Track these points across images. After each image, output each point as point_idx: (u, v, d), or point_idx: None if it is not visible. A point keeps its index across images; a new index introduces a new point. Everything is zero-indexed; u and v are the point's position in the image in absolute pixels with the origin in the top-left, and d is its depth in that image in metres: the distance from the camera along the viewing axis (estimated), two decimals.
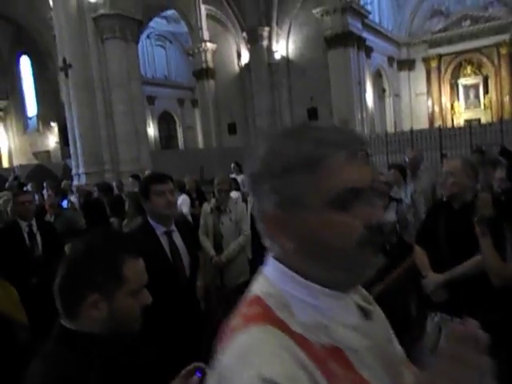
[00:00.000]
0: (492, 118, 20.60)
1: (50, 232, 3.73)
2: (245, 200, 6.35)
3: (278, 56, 16.31)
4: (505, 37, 20.12)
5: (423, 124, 21.13)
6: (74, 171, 11.61)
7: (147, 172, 9.04)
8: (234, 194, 6.52)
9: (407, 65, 22.19)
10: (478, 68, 21.76)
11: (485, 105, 21.62)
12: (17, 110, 25.10)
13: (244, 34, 16.92)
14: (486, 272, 2.34)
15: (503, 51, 20.46)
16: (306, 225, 0.63)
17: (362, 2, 15.73)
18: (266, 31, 16.25)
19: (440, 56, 21.97)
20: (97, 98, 11.09)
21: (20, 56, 24.30)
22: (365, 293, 0.76)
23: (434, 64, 22.14)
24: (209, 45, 18.37)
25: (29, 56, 23.85)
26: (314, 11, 14.75)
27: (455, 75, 22.25)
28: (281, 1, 15.93)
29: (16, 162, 22.05)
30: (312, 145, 0.63)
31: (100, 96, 11.12)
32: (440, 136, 13.52)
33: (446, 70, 22.22)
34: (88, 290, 1.04)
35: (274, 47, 16.36)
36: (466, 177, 2.43)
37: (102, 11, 10.95)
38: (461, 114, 22.16)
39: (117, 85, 11.18)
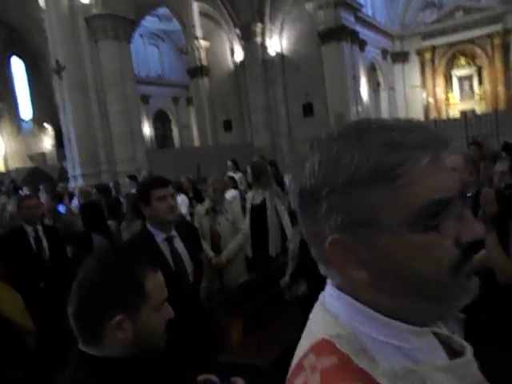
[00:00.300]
0: (487, 108, 20.64)
1: (55, 236, 3.72)
2: (242, 198, 6.35)
3: (272, 52, 16.26)
4: (498, 27, 20.11)
5: (418, 116, 21.14)
6: (70, 173, 11.56)
7: (144, 172, 9.02)
8: (231, 193, 6.53)
9: (401, 57, 22.17)
10: (471, 59, 21.76)
11: (479, 96, 21.65)
12: (10, 112, 24.94)
13: (237, 31, 16.85)
14: (491, 268, 2.33)
15: (496, 41, 20.46)
16: (381, 250, 0.51)
17: None
18: (259, 27, 16.19)
19: (434, 48, 21.96)
20: (91, 98, 11.03)
21: (12, 58, 24.12)
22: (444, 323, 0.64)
23: (427, 56, 22.13)
24: (202, 42, 18.29)
25: (21, 58, 23.69)
26: (306, 6, 14.69)
27: (449, 67, 22.25)
28: None
29: (12, 165, 21.94)
30: (384, 149, 0.51)
31: (94, 97, 11.07)
32: (435, 128, 13.53)
33: (439, 62, 22.22)
34: (112, 310, 0.97)
35: (268, 43, 16.30)
36: (468, 172, 2.42)
37: (93, 11, 10.88)
38: (456, 106, 22.19)
39: (111, 85, 11.13)
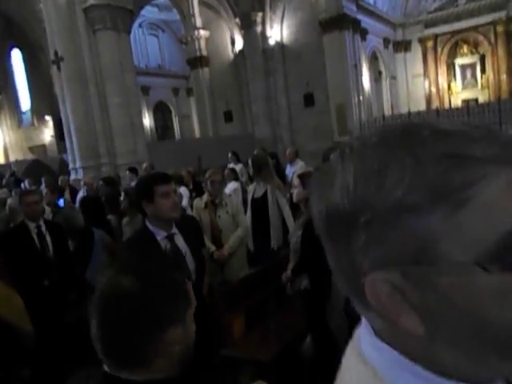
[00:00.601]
0: (489, 97, 20.46)
1: (58, 232, 3.64)
2: (243, 190, 6.32)
3: (272, 41, 16.09)
4: (501, 14, 19.85)
5: (421, 106, 20.99)
6: (70, 165, 11.53)
7: (145, 164, 8.97)
8: (233, 185, 6.49)
9: (403, 46, 21.94)
10: (474, 47, 21.52)
11: (482, 84, 21.46)
12: (10, 104, 24.87)
13: (237, 20, 16.66)
14: None
15: (500, 29, 20.20)
16: (441, 293, 0.39)
17: None
18: (259, 16, 16.00)
19: (436, 36, 21.71)
20: (90, 90, 10.95)
21: (11, 49, 23.97)
22: None
23: (430, 44, 21.89)
24: (202, 32, 18.11)
25: (20, 49, 23.55)
26: None
27: (452, 55, 22.02)
28: None
29: (12, 157, 21.93)
30: (447, 164, 0.38)
31: (93, 89, 10.98)
32: (438, 118, 13.44)
33: (442, 50, 21.98)
34: (165, 324, 0.87)
35: (268, 33, 16.12)
36: None
37: (91, 2, 10.74)
38: (458, 95, 22.00)
39: (110, 76, 11.03)
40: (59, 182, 8.29)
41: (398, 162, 0.39)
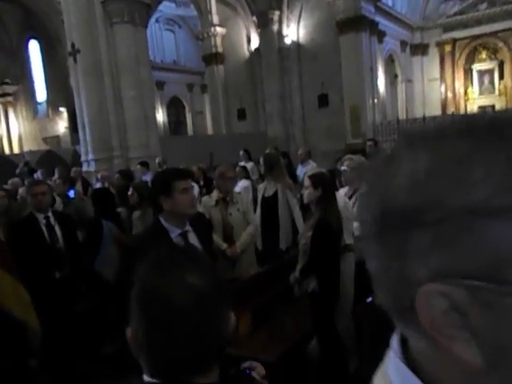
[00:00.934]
0: (507, 104, 20.15)
1: (68, 223, 3.57)
2: (254, 188, 6.29)
3: (288, 41, 16.01)
4: None
5: (436, 110, 20.74)
6: (83, 158, 11.60)
7: (158, 159, 8.99)
8: (243, 183, 6.47)
9: (420, 49, 21.69)
10: (493, 53, 21.19)
11: (499, 91, 21.13)
12: (26, 95, 25.14)
13: (254, 18, 16.62)
14: None
15: None
16: None
17: None
18: (276, 15, 15.93)
19: (454, 40, 21.42)
20: (105, 83, 11.00)
21: (29, 41, 24.22)
22: None
23: (448, 49, 21.60)
24: (218, 29, 18.10)
25: (38, 41, 23.78)
26: None
27: (469, 60, 21.71)
28: None
29: (26, 148, 22.17)
30: None
31: (109, 81, 11.02)
32: None
33: (460, 55, 21.68)
34: (225, 326, 0.82)
35: (285, 31, 16.05)
36: None
37: None
38: (474, 101, 21.69)
39: (125, 70, 11.07)
40: (72, 174, 8.35)
41: (486, 155, 0.33)
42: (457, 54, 21.67)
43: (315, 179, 3.08)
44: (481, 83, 21.63)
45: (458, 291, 0.33)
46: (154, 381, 0.80)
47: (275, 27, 16.07)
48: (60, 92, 22.17)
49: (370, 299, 2.74)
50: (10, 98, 24.68)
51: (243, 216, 4.07)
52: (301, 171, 7.77)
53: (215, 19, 17.96)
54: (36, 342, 2.73)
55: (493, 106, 20.37)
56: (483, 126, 0.35)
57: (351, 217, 3.60)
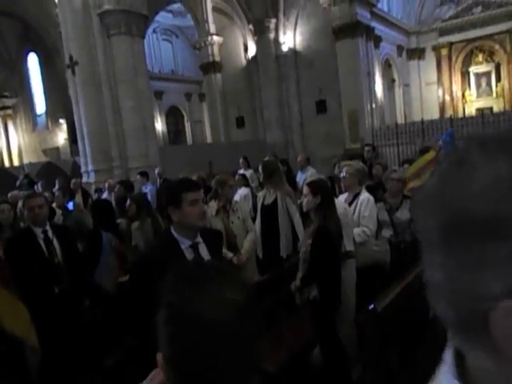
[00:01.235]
0: (505, 106, 20.20)
1: (66, 236, 3.49)
2: (254, 195, 6.29)
3: (285, 48, 16.10)
4: None
5: (434, 114, 20.77)
6: (82, 169, 11.61)
7: (157, 169, 8.99)
8: (242, 191, 6.47)
9: (417, 54, 21.80)
10: (489, 55, 21.28)
11: (497, 93, 21.19)
12: (25, 107, 25.24)
13: (250, 26, 16.72)
14: None
15: None
16: None
17: None
18: (272, 23, 16.03)
19: (451, 44, 21.53)
20: (104, 94, 11.04)
21: (28, 53, 24.37)
22: None
23: (444, 52, 21.71)
24: (215, 38, 18.20)
25: (36, 53, 23.91)
26: (321, 1, 14.48)
27: (466, 63, 21.80)
28: None
29: (26, 160, 22.20)
30: None
31: (107, 92, 11.07)
32: (451, 126, 13.29)
33: (456, 59, 21.78)
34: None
35: (281, 39, 16.14)
36: None
37: (107, 7, 10.85)
38: (472, 103, 21.75)
39: (124, 81, 11.12)
40: (71, 185, 8.35)
41: None
42: (453, 58, 21.77)
43: (314, 186, 3.08)
44: (478, 86, 21.71)
45: None
46: None
47: (272, 35, 16.16)
48: (59, 104, 22.25)
49: (371, 306, 2.72)
50: (9, 111, 24.79)
51: (243, 223, 4.08)
52: (300, 177, 7.77)
53: (212, 28, 18.07)
54: (34, 360, 2.68)
55: (491, 109, 20.42)
56: None
57: (351, 223, 3.59)
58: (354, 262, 3.37)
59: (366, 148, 7.66)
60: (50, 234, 3.36)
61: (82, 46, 10.86)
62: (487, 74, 21.40)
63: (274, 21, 16.03)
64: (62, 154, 22.88)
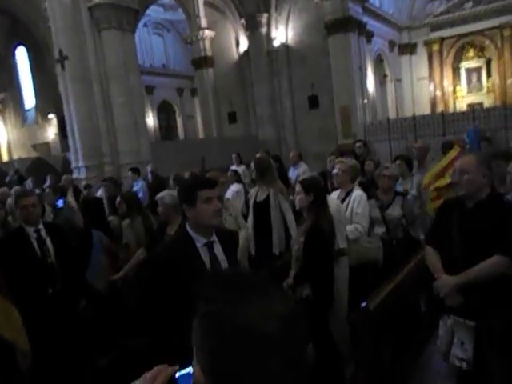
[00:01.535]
0: (495, 101, 20.32)
1: (60, 236, 3.40)
2: (246, 191, 6.26)
3: (277, 43, 16.02)
4: (508, 18, 19.69)
5: (425, 109, 20.87)
6: (73, 164, 11.49)
7: (149, 167, 8.92)
8: (235, 187, 6.45)
9: (409, 49, 21.82)
10: (480, 51, 21.37)
11: (488, 88, 21.31)
12: (15, 102, 24.91)
13: (242, 21, 16.61)
14: (502, 274, 2.24)
15: (506, 33, 20.05)
16: None
17: None
18: (264, 18, 15.94)
19: (442, 39, 21.58)
20: (94, 89, 10.91)
21: (16, 48, 24.01)
22: None
23: (435, 47, 21.76)
24: (207, 32, 18.06)
25: (25, 47, 23.57)
26: None
27: (457, 59, 21.88)
28: None
29: (15, 155, 21.96)
30: None
31: (97, 88, 10.95)
32: (443, 121, 13.35)
33: (448, 54, 21.85)
34: None
35: (274, 34, 16.06)
36: (481, 174, 2.32)
37: (97, 1, 10.71)
38: (463, 99, 21.86)
39: (114, 76, 11.00)
40: (62, 182, 8.26)
41: None
42: (444, 53, 21.84)
43: (306, 184, 3.06)
44: (469, 81, 21.82)
45: None
46: None
47: (264, 30, 16.08)
48: (49, 98, 21.97)
49: (364, 304, 2.72)
50: None
51: (235, 220, 4.07)
52: (293, 174, 7.77)
53: (203, 23, 17.93)
54: (25, 363, 2.64)
55: (481, 104, 20.55)
56: None
57: (344, 220, 3.59)
58: (347, 260, 3.37)
59: (358, 144, 7.66)
60: (43, 233, 3.28)
61: (72, 40, 10.72)
62: (478, 70, 21.51)
63: (265, 15, 15.94)
64: (53, 149, 22.64)
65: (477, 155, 2.48)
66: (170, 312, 1.94)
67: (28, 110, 24.92)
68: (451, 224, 2.40)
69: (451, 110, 20.43)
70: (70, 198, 5.77)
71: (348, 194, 3.94)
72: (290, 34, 15.86)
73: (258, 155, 6.53)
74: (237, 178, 6.73)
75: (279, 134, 16.36)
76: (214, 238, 2.20)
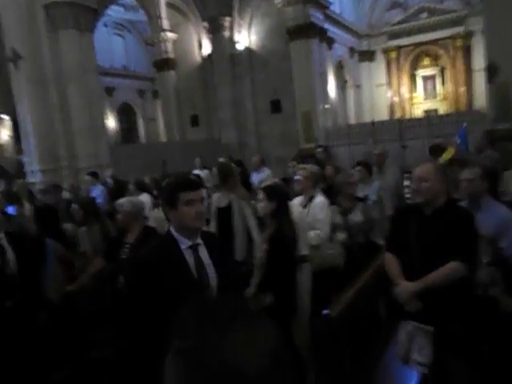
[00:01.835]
0: (449, 108, 21.24)
1: (22, 244, 3.24)
2: (208, 195, 6.19)
3: (240, 47, 16.04)
4: (460, 29, 20.67)
5: (384, 115, 21.51)
6: (27, 168, 11.00)
7: (108, 171, 8.69)
8: None
9: (368, 56, 22.45)
10: (435, 59, 22.30)
11: (442, 95, 22.23)
12: None
13: (205, 24, 16.52)
14: (459, 280, 2.31)
15: (458, 43, 21.02)
16: None
17: None
18: (227, 21, 15.92)
19: (399, 47, 22.36)
20: (50, 90, 10.49)
21: None
22: None
23: (393, 55, 22.52)
24: (169, 34, 17.83)
25: None
26: (275, 1, 14.56)
27: (414, 66, 22.73)
28: None
29: None
30: None
31: (54, 89, 10.53)
32: (400, 127, 13.78)
33: (405, 62, 22.65)
34: None
35: (236, 38, 16.06)
36: (439, 182, 2.39)
37: None
38: (419, 105, 22.71)
39: (72, 77, 10.63)
40: (16, 187, 7.87)
41: None
42: (402, 61, 22.62)
43: (269, 191, 3.05)
44: (425, 88, 22.70)
45: None
46: None
47: (226, 33, 16.05)
48: (1, 98, 20.96)
49: (325, 311, 2.73)
50: None
51: None
52: (255, 178, 7.77)
53: (165, 24, 17.69)
54: None
55: (436, 110, 21.41)
56: None
57: (306, 226, 3.60)
58: (310, 267, 3.38)
59: (318, 149, 7.77)
60: (4, 242, 3.11)
61: (26, 39, 10.26)
62: (433, 78, 22.41)
63: (228, 19, 15.92)
64: (6, 151, 21.61)
65: (434, 163, 2.56)
66: (151, 317, 1.91)
67: None
68: (409, 231, 2.45)
69: (408, 115, 21.15)
70: (26, 204, 5.51)
71: (310, 199, 3.97)
72: (253, 38, 15.93)
73: (220, 160, 6.49)
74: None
75: (242, 138, 16.36)
76: (199, 240, 2.15)
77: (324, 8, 15.55)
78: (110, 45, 23.40)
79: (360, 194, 4.61)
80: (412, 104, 22.83)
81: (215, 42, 16.28)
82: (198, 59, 17.83)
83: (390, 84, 22.75)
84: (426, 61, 22.48)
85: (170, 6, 17.55)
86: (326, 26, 15.91)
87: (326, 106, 15.40)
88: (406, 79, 22.77)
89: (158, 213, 3.89)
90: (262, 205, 3.04)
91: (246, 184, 5.91)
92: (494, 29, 10.53)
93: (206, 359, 0.58)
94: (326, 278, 3.52)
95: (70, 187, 7.71)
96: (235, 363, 0.57)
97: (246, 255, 4.15)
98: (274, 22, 15.21)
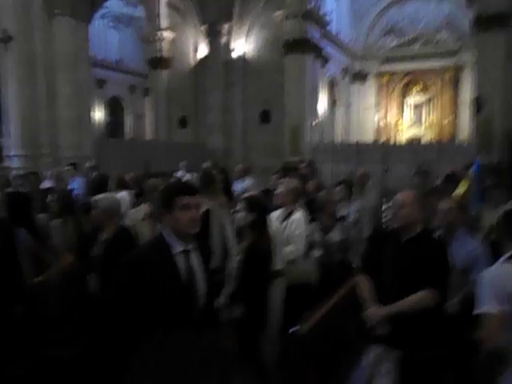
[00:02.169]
0: (432, 137, 21.69)
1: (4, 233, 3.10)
2: None
3: (235, 54, 16.11)
4: (451, 61, 21.25)
5: (370, 136, 21.85)
6: (4, 152, 10.75)
7: (88, 163, 8.51)
8: None
9: (359, 78, 22.81)
10: (424, 88, 22.80)
11: (428, 124, 22.70)
12: None
13: (203, 28, 16.55)
14: (428, 308, 2.33)
15: (447, 75, 21.59)
16: None
17: (322, 12, 15.87)
18: (225, 28, 15.99)
19: (391, 73, 22.82)
20: (38, 77, 10.33)
21: None
22: None
23: (384, 80, 22.95)
24: (166, 34, 17.79)
25: None
26: (275, 14, 14.71)
27: (403, 93, 23.18)
28: None
29: None
30: None
31: (42, 75, 10.38)
32: (383, 151, 13.99)
33: (394, 88, 23.09)
34: None
35: (232, 45, 16.14)
36: (417, 210, 2.43)
37: None
38: (404, 132, 23.12)
39: (62, 65, 10.51)
40: None
41: None
42: (392, 86, 23.05)
43: (251, 202, 3.04)
44: (411, 115, 23.15)
45: None
46: None
47: (223, 39, 16.11)
48: None
49: (296, 328, 2.72)
50: None
51: None
52: (237, 187, 7.75)
53: (163, 23, 17.65)
54: None
55: (419, 139, 21.84)
56: None
57: (283, 241, 3.60)
58: (283, 282, 3.37)
59: (302, 165, 7.80)
60: None
61: (19, 21, 10.10)
62: (420, 106, 22.89)
63: (226, 26, 16.00)
64: None
65: (414, 192, 2.60)
66: (133, 320, 1.90)
67: None
68: (385, 255, 2.48)
69: (393, 140, 21.51)
70: None
71: (289, 214, 3.97)
72: (249, 47, 16.03)
73: (205, 165, 6.45)
74: None
75: (228, 145, 16.37)
76: (192, 246, 2.12)
77: (322, 26, 15.77)
78: (105, 37, 23.22)
79: (339, 213, 4.64)
80: (398, 129, 23.23)
81: (211, 47, 16.31)
82: (192, 62, 17.81)
83: (378, 108, 23.14)
84: (416, 89, 22.96)
85: (170, 5, 17.54)
86: (322, 44, 16.13)
87: (314, 122, 15.54)
88: (394, 104, 23.20)
89: (135, 213, 3.81)
90: (242, 215, 3.03)
91: (228, 192, 5.88)
92: (484, 63, 10.88)
93: None
94: (299, 294, 3.51)
95: (51, 176, 7.50)
96: None
97: (220, 265, 4.11)
98: (271, 34, 15.35)
